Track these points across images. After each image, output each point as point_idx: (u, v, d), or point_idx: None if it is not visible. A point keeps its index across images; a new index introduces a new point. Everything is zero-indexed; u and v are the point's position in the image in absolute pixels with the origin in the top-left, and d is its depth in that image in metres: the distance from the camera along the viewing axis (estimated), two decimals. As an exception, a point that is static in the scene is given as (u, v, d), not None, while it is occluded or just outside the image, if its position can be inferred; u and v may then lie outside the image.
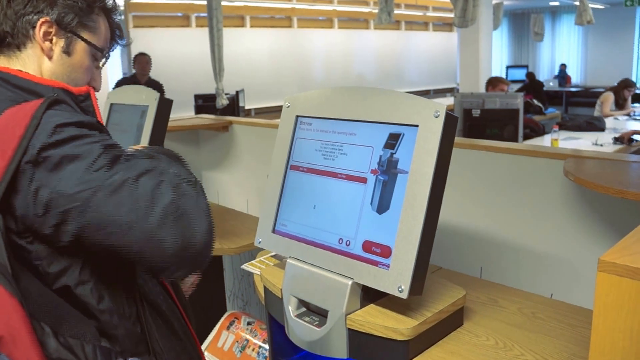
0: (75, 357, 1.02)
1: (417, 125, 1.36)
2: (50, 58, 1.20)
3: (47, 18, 1.17)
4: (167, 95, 2.41)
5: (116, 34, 1.33)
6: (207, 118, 3.40)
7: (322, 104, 1.60)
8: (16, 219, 1.01)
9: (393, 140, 1.42)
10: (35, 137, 1.00)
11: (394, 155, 1.40)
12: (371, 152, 1.45)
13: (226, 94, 5.69)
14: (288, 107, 1.69)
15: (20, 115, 1.03)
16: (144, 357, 1.15)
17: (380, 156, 1.43)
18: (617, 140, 5.03)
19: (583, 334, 1.47)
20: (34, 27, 1.17)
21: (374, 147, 1.45)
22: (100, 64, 1.30)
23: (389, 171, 1.40)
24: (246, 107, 6.96)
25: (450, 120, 1.34)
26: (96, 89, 1.27)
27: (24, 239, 1.02)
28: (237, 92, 6.39)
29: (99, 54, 1.28)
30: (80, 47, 1.23)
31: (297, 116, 1.65)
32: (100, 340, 1.06)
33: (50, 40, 1.19)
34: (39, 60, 1.19)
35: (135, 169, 1.03)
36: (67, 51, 1.21)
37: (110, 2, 1.29)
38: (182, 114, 3.42)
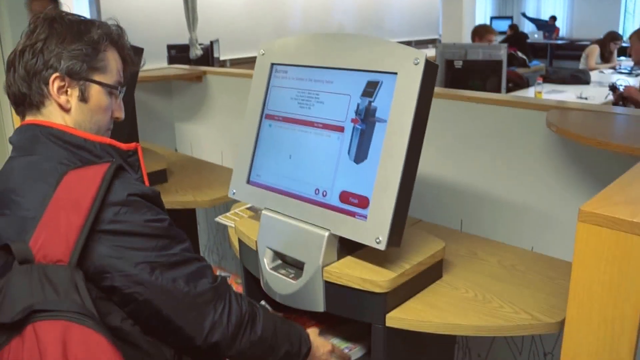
0: None
1: (396, 73, 1.34)
2: (69, 110, 1.24)
3: (58, 74, 1.21)
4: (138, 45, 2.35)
5: (128, 60, 1.35)
6: (180, 68, 3.34)
7: (299, 51, 1.57)
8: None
9: (371, 88, 1.40)
10: (107, 200, 1.11)
11: (372, 104, 1.39)
12: (349, 101, 1.44)
13: (200, 44, 5.59)
14: (263, 54, 1.66)
15: (90, 177, 1.12)
16: None
17: (358, 104, 1.41)
18: (611, 90, 4.92)
19: (563, 286, 1.49)
20: (47, 84, 1.21)
21: (352, 95, 1.43)
22: (119, 96, 1.33)
23: (366, 120, 1.39)
24: (221, 58, 6.85)
25: (430, 67, 1.32)
26: (120, 119, 1.34)
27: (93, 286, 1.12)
28: (212, 42, 6.29)
29: (114, 90, 1.31)
30: (95, 90, 1.26)
31: (273, 64, 1.63)
32: None
33: (66, 93, 1.23)
34: (60, 114, 1.24)
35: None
36: (84, 98, 1.25)
37: (115, 32, 1.31)
38: (154, 65, 3.35)
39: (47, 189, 1.11)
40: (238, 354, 1.26)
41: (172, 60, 5.98)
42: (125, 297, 1.12)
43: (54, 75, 1.20)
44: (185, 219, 2.76)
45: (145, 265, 1.12)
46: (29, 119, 1.25)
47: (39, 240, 1.06)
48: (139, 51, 2.16)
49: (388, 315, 1.38)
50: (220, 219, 1.92)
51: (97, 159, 1.21)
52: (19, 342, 1.03)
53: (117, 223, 1.11)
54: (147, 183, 1.28)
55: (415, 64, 1.30)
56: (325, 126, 1.47)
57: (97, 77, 1.26)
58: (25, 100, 1.23)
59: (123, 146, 1.26)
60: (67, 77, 1.22)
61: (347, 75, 1.45)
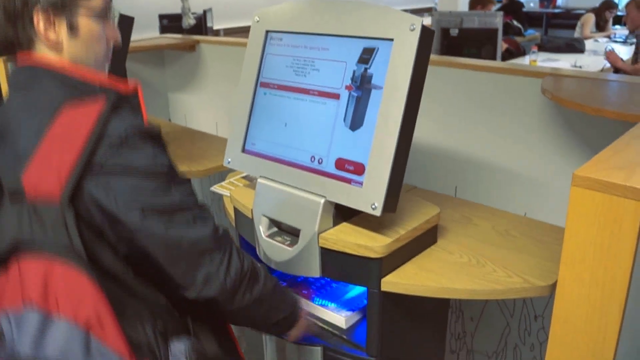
0: (139, 337, 1.09)
1: (392, 39, 1.34)
2: (61, 47, 1.17)
3: (39, 8, 1.13)
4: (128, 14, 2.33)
5: None
6: (173, 38, 3.31)
7: (294, 18, 1.57)
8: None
9: (367, 55, 1.40)
10: (103, 137, 1.05)
11: (368, 71, 1.39)
12: (344, 68, 1.44)
13: (193, 14, 5.52)
14: (257, 21, 1.65)
15: (86, 114, 1.06)
16: (189, 338, 1.22)
17: (354, 71, 1.42)
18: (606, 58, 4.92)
19: (555, 250, 1.51)
20: (31, 23, 1.14)
21: (347, 62, 1.43)
22: (110, 20, 1.25)
23: (362, 87, 1.39)
24: (215, 28, 6.77)
25: (426, 33, 1.32)
26: (118, 43, 1.27)
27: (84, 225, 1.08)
28: (205, 12, 6.21)
29: (103, 14, 1.23)
30: (83, 19, 1.18)
31: (267, 31, 1.62)
32: (156, 322, 1.14)
33: (53, 28, 1.15)
34: (54, 53, 1.17)
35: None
36: (73, 31, 1.17)
37: None
38: (146, 35, 3.32)
39: (43, 124, 1.06)
40: (238, 311, 1.24)
41: (164, 30, 5.91)
42: (115, 239, 1.08)
43: (35, 11, 1.12)
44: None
45: (138, 207, 1.06)
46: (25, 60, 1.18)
47: (31, 177, 1.04)
48: (129, 20, 2.15)
49: (383, 280, 1.40)
50: (216, 188, 1.92)
51: (96, 96, 1.13)
52: (3, 277, 1.04)
53: (113, 161, 1.05)
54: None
55: (412, 30, 1.30)
56: (321, 94, 1.47)
57: (82, 5, 1.17)
58: (15, 45, 1.16)
59: (122, 88, 1.19)
60: (51, 10, 1.13)
61: (342, 42, 1.45)
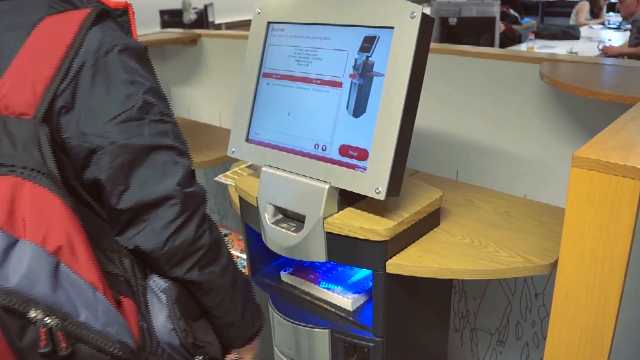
0: (117, 269, 1.01)
1: (392, 28, 1.35)
2: None
3: None
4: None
5: None
6: (174, 32, 3.31)
7: (295, 9, 1.58)
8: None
9: (368, 44, 1.41)
10: (83, 49, 0.97)
11: (370, 59, 1.40)
12: (346, 56, 1.45)
13: (194, 9, 5.51)
14: (259, 13, 1.66)
15: (67, 24, 0.98)
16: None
17: (356, 60, 1.43)
18: (602, 52, 4.98)
19: (555, 230, 1.53)
20: None
21: (349, 51, 1.44)
22: None
23: (364, 75, 1.41)
24: (216, 22, 6.76)
25: (426, 21, 1.33)
26: None
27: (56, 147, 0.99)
28: (206, 6, 6.21)
29: None
30: None
31: (269, 22, 1.63)
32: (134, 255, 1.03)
33: None
34: None
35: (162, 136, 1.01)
36: None
37: None
38: (147, 31, 3.32)
39: (20, 36, 0.97)
40: (182, 283, 1.05)
41: (165, 25, 5.90)
42: (81, 161, 0.98)
43: None
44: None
45: (111, 130, 0.96)
46: None
47: (2, 90, 0.94)
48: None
49: (388, 262, 1.42)
50: (220, 178, 1.93)
51: (80, 7, 1.03)
52: None
53: (90, 75, 0.96)
54: None
55: (412, 18, 1.31)
56: (324, 82, 1.49)
57: None
58: None
59: (112, 3, 1.09)
60: None
61: (344, 31, 1.46)
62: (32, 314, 0.85)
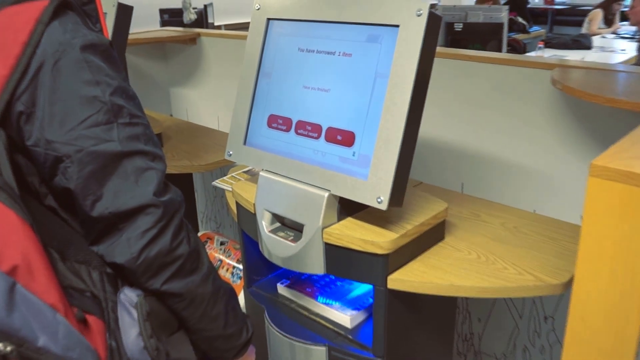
0: (84, 283, 0.95)
1: (397, 26, 1.30)
2: None
3: None
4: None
5: None
6: (174, 30, 3.29)
7: (295, 5, 1.53)
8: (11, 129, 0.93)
9: (372, 43, 1.36)
10: (40, 49, 0.91)
11: (373, 59, 1.35)
12: (349, 57, 1.40)
13: (194, 9, 5.48)
14: (258, 9, 1.61)
15: (23, 18, 0.92)
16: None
17: (359, 60, 1.37)
18: None
19: (566, 247, 1.47)
20: None
21: (352, 52, 1.39)
22: None
23: (367, 76, 1.35)
24: (216, 23, 6.74)
25: (433, 19, 1.28)
26: None
27: (18, 151, 0.94)
28: (205, 7, 6.19)
29: None
30: None
31: (269, 19, 1.58)
32: (105, 267, 0.97)
33: None
34: None
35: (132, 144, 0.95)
36: None
37: None
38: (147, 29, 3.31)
39: None
40: (159, 295, 0.99)
41: (164, 24, 5.89)
42: (48, 169, 0.93)
43: None
44: (182, 185, 2.72)
45: (77, 136, 0.91)
46: None
47: None
48: (128, 10, 2.11)
49: (390, 277, 1.36)
50: (217, 182, 1.89)
51: None
52: None
53: (50, 77, 0.90)
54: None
55: (418, 16, 1.26)
56: (325, 83, 1.43)
57: None
58: None
59: None
60: None
61: (346, 30, 1.41)
62: None
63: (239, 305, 1.16)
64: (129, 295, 0.97)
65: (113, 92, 0.95)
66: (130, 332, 0.96)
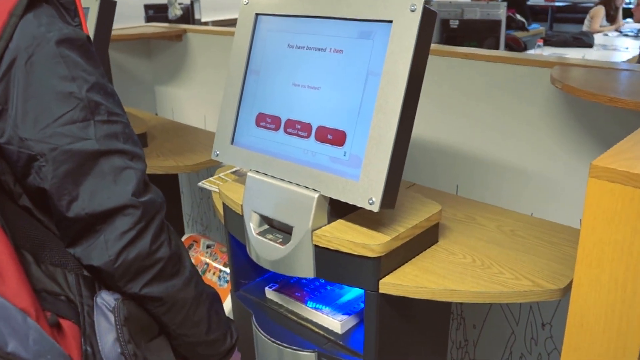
0: (59, 287, 0.94)
1: (390, 21, 1.30)
2: None
3: None
4: None
5: None
6: (159, 26, 3.27)
7: (285, 0, 1.52)
8: None
9: (364, 39, 1.35)
10: (13, 43, 0.90)
11: (365, 56, 1.34)
12: (340, 54, 1.39)
13: (180, 4, 5.47)
14: (246, 4, 1.60)
15: None
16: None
17: (350, 58, 1.37)
18: None
19: (565, 251, 1.47)
20: None
21: (343, 48, 1.39)
22: None
23: (358, 73, 1.34)
24: (202, 20, 6.74)
25: (428, 15, 1.27)
26: None
27: None
28: (192, 2, 6.18)
29: None
30: None
31: (257, 14, 1.57)
32: (82, 269, 0.97)
33: None
34: None
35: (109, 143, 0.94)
36: None
37: None
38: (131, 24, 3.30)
39: None
40: (138, 299, 0.99)
41: (149, 20, 5.88)
42: (21, 168, 0.92)
43: None
44: (167, 186, 2.71)
45: (51, 134, 0.90)
46: None
47: None
48: (111, 5, 2.10)
49: (382, 281, 1.35)
50: (204, 183, 1.89)
51: None
52: None
53: (24, 72, 0.89)
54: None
55: (412, 11, 1.25)
56: (315, 81, 1.42)
57: None
58: None
59: None
60: None
61: (338, 26, 1.40)
62: None
63: (222, 310, 1.16)
64: (106, 299, 0.96)
65: (90, 89, 0.94)
66: (107, 337, 0.95)
